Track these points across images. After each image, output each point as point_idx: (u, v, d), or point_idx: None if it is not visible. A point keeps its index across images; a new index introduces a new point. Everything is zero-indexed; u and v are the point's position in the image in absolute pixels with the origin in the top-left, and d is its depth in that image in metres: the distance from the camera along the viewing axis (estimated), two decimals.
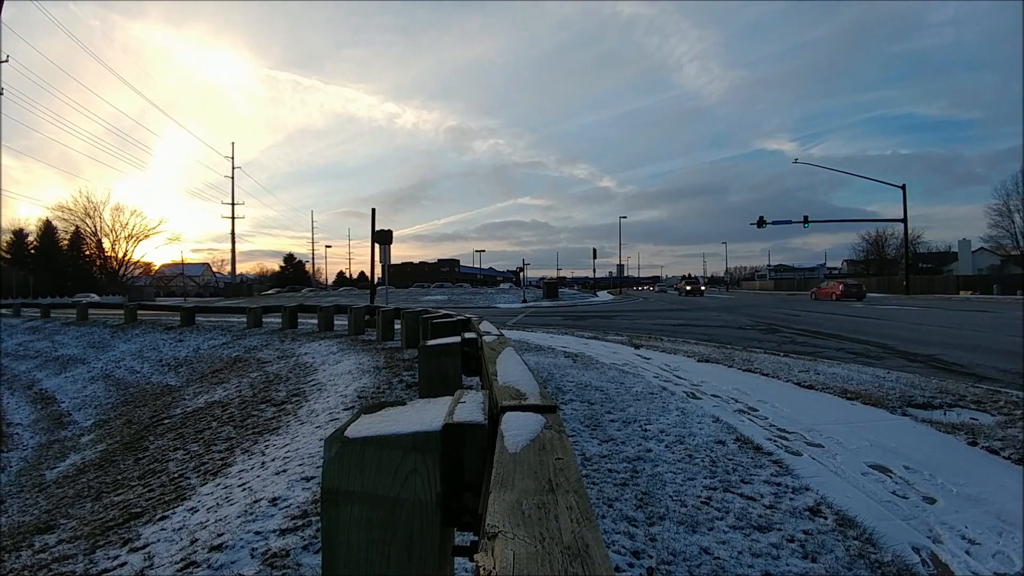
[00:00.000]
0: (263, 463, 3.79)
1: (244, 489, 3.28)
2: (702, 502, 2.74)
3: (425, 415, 0.94)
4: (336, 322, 12.74)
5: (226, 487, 3.49)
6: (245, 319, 14.13)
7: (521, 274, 43.16)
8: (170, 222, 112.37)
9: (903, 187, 36.30)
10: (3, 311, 22.36)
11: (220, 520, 2.79)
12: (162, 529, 3.00)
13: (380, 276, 16.09)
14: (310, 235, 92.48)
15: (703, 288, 53.23)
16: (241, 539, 2.45)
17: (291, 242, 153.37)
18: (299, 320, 13.64)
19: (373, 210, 16.15)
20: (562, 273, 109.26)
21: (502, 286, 67.13)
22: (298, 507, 2.71)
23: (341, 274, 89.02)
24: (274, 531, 2.48)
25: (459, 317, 5.18)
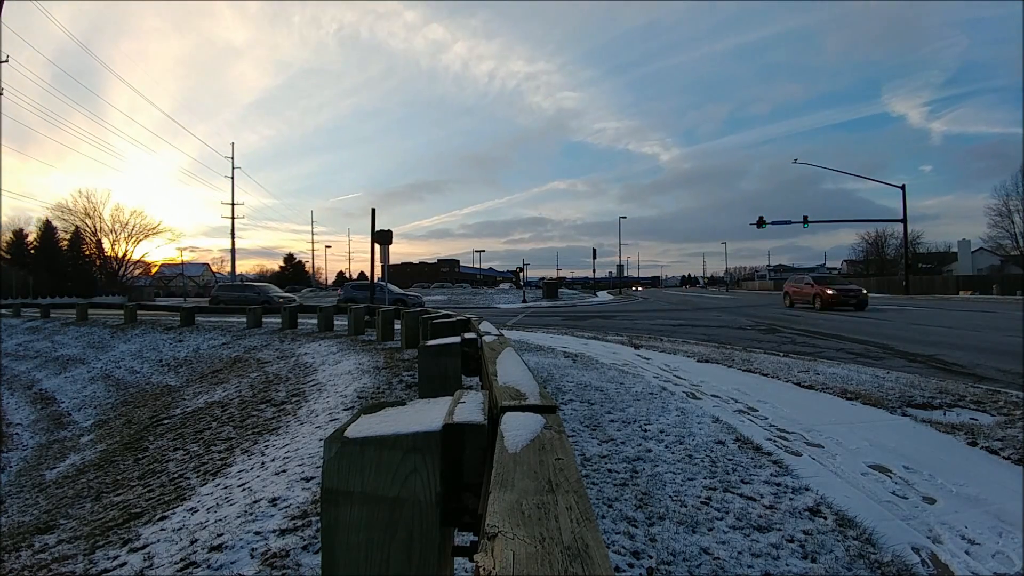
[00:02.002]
0: (263, 463, 3.79)
1: (244, 489, 3.28)
2: (702, 502, 2.74)
3: (425, 415, 0.93)
4: (336, 322, 12.76)
5: (226, 487, 3.49)
6: (245, 319, 14.14)
7: (521, 274, 43.25)
8: (162, 213, 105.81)
9: (903, 187, 36.43)
10: (3, 311, 22.35)
11: (220, 520, 2.80)
12: (162, 529, 3.00)
13: (380, 276, 16.08)
14: (309, 228, 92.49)
15: (640, 288, 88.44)
16: (241, 539, 2.45)
17: (289, 237, 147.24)
18: (299, 320, 13.67)
19: (373, 210, 16.16)
20: (562, 273, 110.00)
21: (502, 286, 67.22)
22: (298, 507, 2.71)
23: (341, 274, 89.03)
24: (274, 531, 2.48)
25: (459, 317, 5.17)
